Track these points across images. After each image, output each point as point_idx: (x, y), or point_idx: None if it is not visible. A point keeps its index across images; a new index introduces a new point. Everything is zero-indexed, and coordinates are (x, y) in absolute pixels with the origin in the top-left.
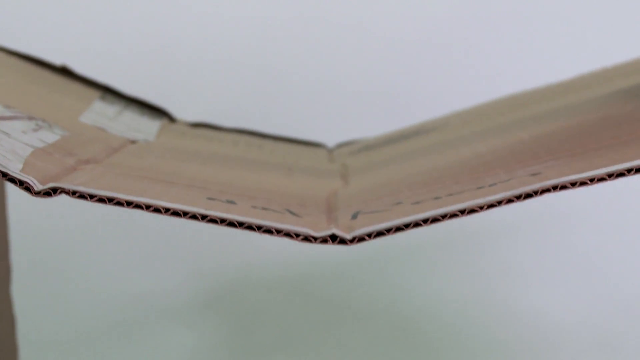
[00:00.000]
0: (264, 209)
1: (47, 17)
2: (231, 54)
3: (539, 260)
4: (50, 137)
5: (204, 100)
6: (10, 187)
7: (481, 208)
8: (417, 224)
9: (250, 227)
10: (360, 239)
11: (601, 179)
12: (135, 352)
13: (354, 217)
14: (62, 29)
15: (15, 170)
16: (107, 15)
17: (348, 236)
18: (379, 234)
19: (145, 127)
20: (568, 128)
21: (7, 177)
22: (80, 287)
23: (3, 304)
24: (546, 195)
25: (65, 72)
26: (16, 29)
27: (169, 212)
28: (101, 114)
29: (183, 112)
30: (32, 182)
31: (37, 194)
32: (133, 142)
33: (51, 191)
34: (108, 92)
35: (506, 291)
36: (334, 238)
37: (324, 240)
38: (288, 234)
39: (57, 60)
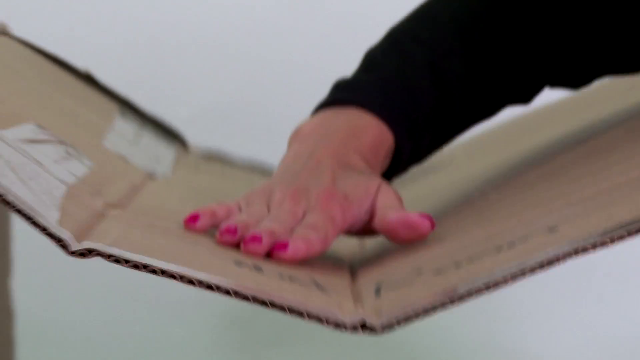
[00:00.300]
0: (290, 279)
1: (51, 14)
2: (237, 52)
3: (541, 306)
4: (79, 169)
5: (212, 98)
6: None
7: (506, 281)
8: (443, 304)
9: (281, 308)
10: (389, 326)
11: (621, 237)
12: (133, 346)
13: (377, 292)
14: (66, 26)
15: (53, 219)
16: (108, 12)
17: (377, 324)
18: (407, 318)
19: (162, 155)
20: (573, 162)
21: (45, 232)
22: (79, 281)
23: (1, 296)
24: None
25: (88, 78)
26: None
27: (203, 285)
28: (121, 136)
29: (196, 104)
30: (69, 239)
31: (73, 254)
32: (151, 176)
33: (87, 252)
34: (126, 106)
35: (507, 335)
36: (363, 326)
37: (354, 328)
38: (318, 319)
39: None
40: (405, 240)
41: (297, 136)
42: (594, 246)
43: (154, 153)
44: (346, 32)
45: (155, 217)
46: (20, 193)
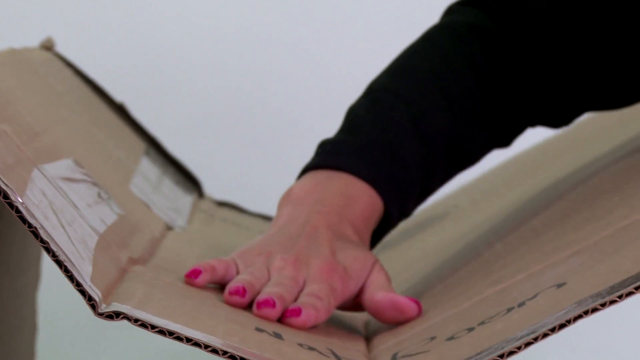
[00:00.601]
0: (310, 348)
1: (43, 19)
2: (226, 61)
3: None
4: (109, 215)
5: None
6: None
7: (519, 349)
8: None
9: None
10: None
11: (630, 294)
12: (127, 349)
13: None
14: (56, 32)
15: (87, 275)
16: (98, 19)
17: None
18: None
19: (180, 203)
20: (575, 205)
21: (79, 288)
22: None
23: (28, 310)
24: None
25: (120, 109)
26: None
27: (227, 355)
28: (146, 179)
29: (185, 113)
30: (98, 300)
31: (100, 315)
32: (170, 228)
33: (114, 315)
34: (152, 145)
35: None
36: None
37: None
38: None
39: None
40: (391, 321)
41: (289, 199)
42: (603, 305)
43: (173, 202)
44: (336, 41)
45: (175, 275)
46: (60, 241)
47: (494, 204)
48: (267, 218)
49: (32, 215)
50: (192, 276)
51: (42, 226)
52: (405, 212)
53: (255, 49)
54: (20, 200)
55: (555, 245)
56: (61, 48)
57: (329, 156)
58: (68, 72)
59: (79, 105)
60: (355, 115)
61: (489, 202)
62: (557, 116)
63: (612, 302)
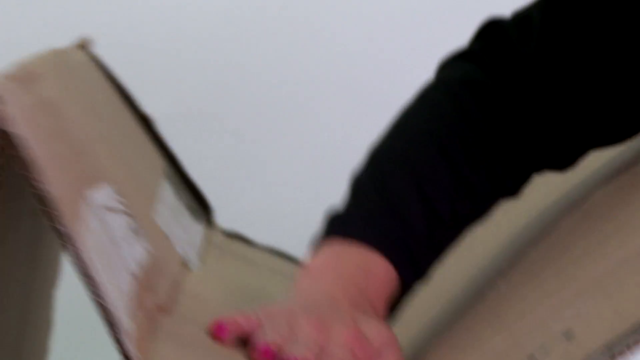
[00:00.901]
0: None
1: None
2: (204, 57)
3: None
4: (139, 252)
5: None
6: None
7: None
8: None
9: None
10: None
11: (637, 342)
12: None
13: None
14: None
15: (127, 328)
16: (87, 10)
17: None
18: None
19: (193, 233)
20: (570, 233)
21: (125, 355)
22: None
23: (44, 306)
24: None
25: (144, 120)
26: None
27: None
28: (166, 204)
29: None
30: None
31: None
32: (185, 265)
33: None
34: (171, 162)
35: None
36: None
37: None
38: None
39: None
40: None
41: (309, 272)
42: (613, 357)
43: (187, 232)
44: (323, 36)
45: (198, 326)
46: (108, 293)
47: (489, 229)
48: (275, 252)
49: (88, 266)
50: (218, 333)
51: (96, 280)
52: (421, 277)
53: (240, 42)
54: (81, 248)
55: (557, 283)
56: (40, 39)
57: (340, 227)
58: (98, 75)
59: (113, 116)
60: (360, 185)
61: (484, 228)
62: (560, 159)
63: (621, 352)
